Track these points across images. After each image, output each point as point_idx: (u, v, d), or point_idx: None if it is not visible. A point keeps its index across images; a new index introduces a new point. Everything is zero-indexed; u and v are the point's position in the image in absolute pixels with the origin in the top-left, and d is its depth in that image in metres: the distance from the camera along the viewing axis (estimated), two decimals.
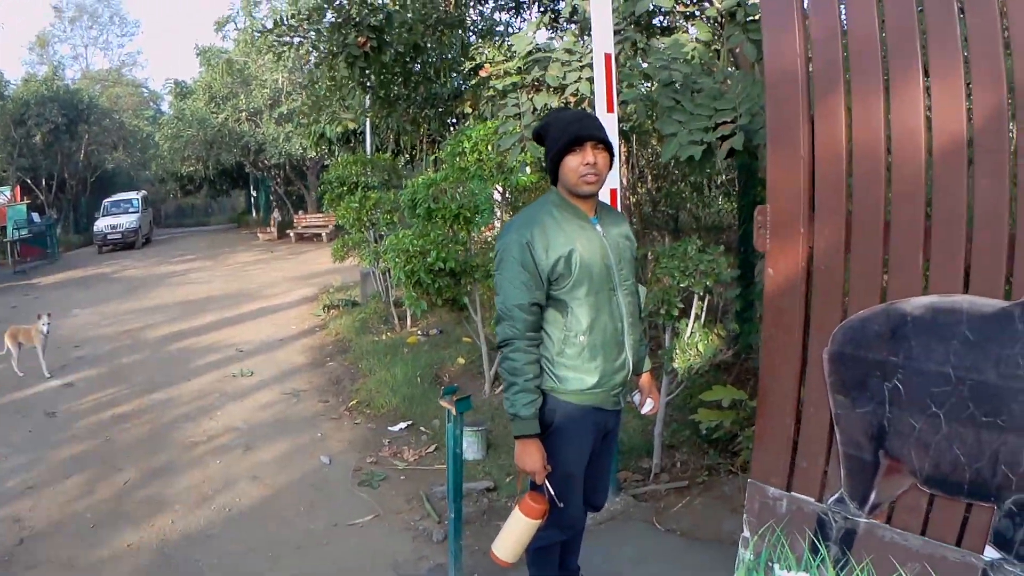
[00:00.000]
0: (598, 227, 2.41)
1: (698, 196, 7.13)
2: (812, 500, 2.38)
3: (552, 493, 2.39)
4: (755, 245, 2.61)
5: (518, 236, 2.32)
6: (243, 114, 23.29)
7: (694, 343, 3.79)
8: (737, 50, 4.32)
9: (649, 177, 7.32)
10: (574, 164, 2.31)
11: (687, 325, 3.92)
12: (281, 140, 21.57)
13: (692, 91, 3.80)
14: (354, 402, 6.40)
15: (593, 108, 3.76)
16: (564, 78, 4.54)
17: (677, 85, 3.87)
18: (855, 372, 2.24)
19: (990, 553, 1.97)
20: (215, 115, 23.65)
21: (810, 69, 2.41)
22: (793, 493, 2.43)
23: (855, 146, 2.29)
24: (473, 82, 7.56)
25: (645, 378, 2.73)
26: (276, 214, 25.11)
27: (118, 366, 8.32)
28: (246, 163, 25.42)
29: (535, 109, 4.75)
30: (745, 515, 2.53)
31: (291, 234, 23.18)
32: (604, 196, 3.55)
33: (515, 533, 2.42)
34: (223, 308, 11.82)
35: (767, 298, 2.55)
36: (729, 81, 3.92)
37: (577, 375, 2.36)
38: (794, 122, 2.42)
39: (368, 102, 9.42)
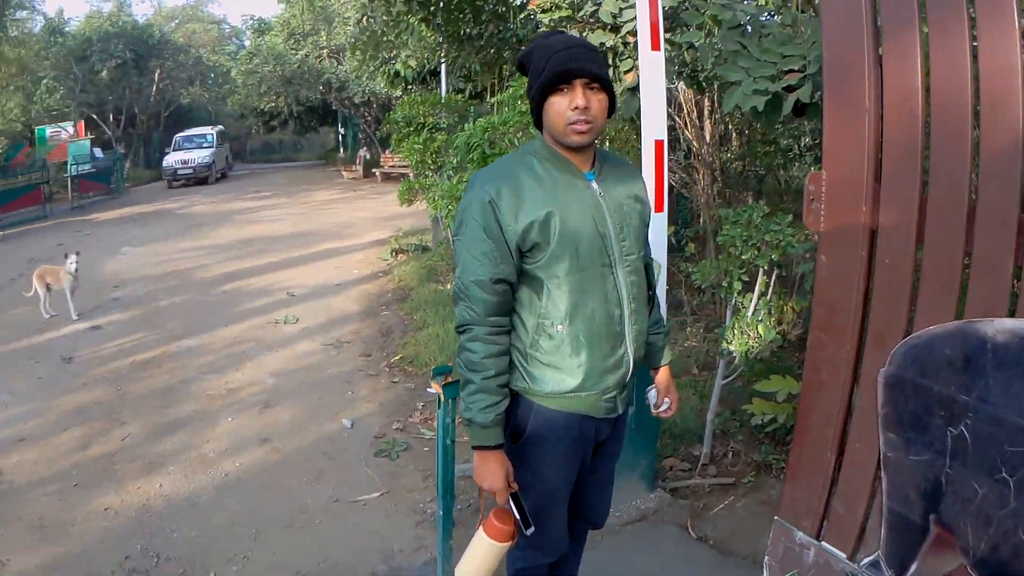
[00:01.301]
0: (594, 184, 2.10)
1: (783, 156, 6.71)
2: (843, 557, 2.14)
3: (518, 516, 2.10)
4: (805, 222, 2.23)
5: (481, 192, 2.02)
6: (324, 51, 24.26)
7: (754, 324, 3.56)
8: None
9: (734, 134, 6.89)
10: (560, 107, 1.99)
11: (750, 301, 3.68)
12: (365, 78, 22.16)
13: (760, 35, 3.48)
14: (398, 357, 6.25)
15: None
16: (620, 14, 4.20)
17: (745, 27, 3.55)
18: (915, 406, 1.84)
19: None
20: (294, 52, 24.80)
21: None
22: (823, 544, 2.19)
23: (933, 100, 1.92)
24: (522, 16, 7.30)
25: (662, 374, 2.44)
26: (363, 152, 25.96)
27: (154, 309, 8.55)
28: (332, 100, 26.47)
29: None
30: (767, 557, 2.37)
31: (376, 173, 23.85)
32: (649, 149, 3.29)
33: (479, 558, 2.13)
34: (286, 248, 12.05)
35: (817, 292, 2.24)
36: (802, 26, 3.58)
37: (554, 374, 2.08)
38: (856, 65, 2.07)
39: (437, 40, 9.49)
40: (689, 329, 5.82)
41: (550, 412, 2.10)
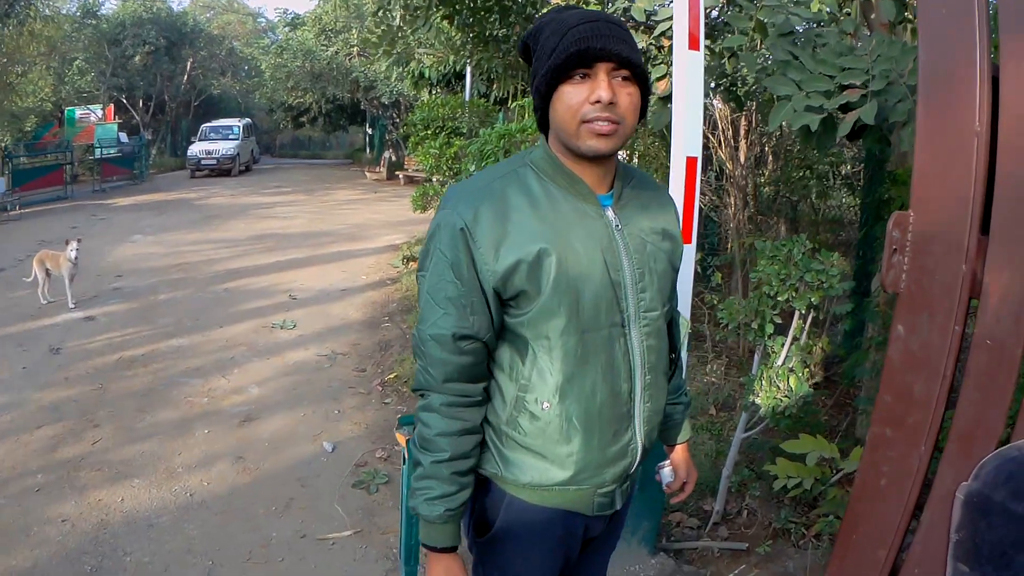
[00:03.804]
0: (610, 213, 1.60)
1: (819, 184, 6.40)
2: None
3: None
4: (883, 281, 1.78)
5: (452, 215, 1.54)
6: (355, 49, 24.29)
7: (785, 374, 3.22)
8: (872, 16, 3.55)
9: (770, 156, 6.59)
10: (574, 99, 1.49)
11: (782, 347, 3.33)
12: (394, 78, 22.19)
13: (814, 44, 3.10)
14: (392, 376, 6.02)
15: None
16: (655, 13, 3.85)
17: (798, 37, 3.20)
18: (1001, 536, 1.47)
19: None
20: (324, 48, 24.87)
21: None
22: None
23: None
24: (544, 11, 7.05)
25: (679, 452, 2.00)
26: (388, 154, 25.97)
27: (152, 303, 8.38)
28: (361, 100, 26.52)
29: None
30: None
31: (400, 176, 23.71)
32: (679, 168, 2.86)
33: None
34: (296, 247, 11.89)
35: (887, 375, 1.72)
36: (859, 39, 3.23)
37: (536, 462, 1.62)
38: (962, 77, 1.57)
39: (462, 40, 9.33)
40: (710, 365, 5.55)
41: (526, 506, 1.65)
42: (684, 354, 2.84)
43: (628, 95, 1.50)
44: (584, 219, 1.56)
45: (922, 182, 1.65)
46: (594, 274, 1.55)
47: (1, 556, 3.56)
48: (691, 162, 2.91)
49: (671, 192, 2.80)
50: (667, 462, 1.99)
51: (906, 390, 1.69)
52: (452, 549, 1.63)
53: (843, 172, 6.74)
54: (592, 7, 4.18)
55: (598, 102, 1.46)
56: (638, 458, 1.70)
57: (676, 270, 1.74)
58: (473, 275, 1.52)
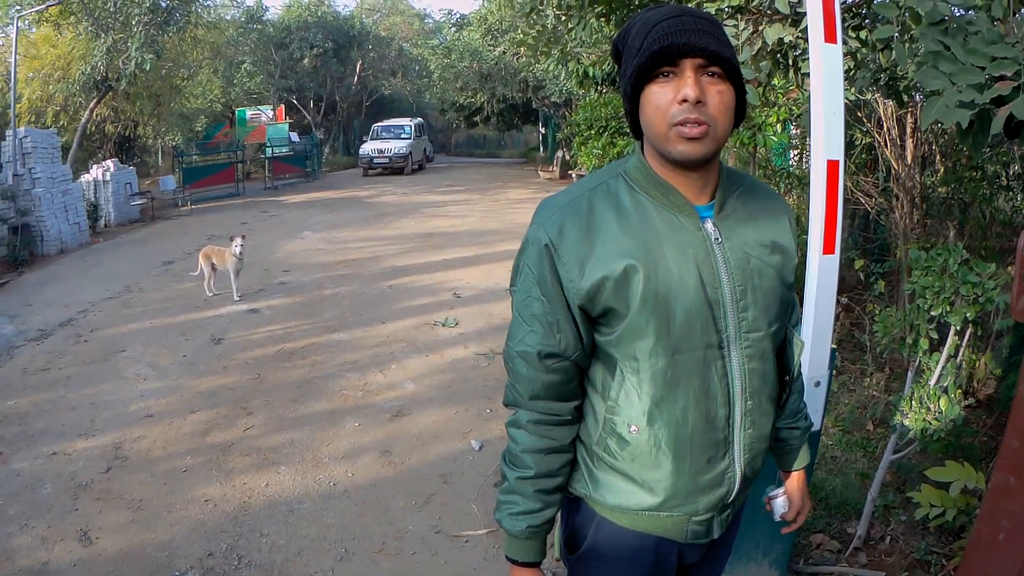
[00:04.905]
0: (709, 226, 1.56)
1: (989, 185, 5.91)
2: None
3: None
4: (1013, 311, 1.63)
5: (539, 231, 1.56)
6: (521, 48, 24.83)
7: (936, 395, 3.06)
8: None
9: (938, 155, 6.16)
10: (660, 99, 1.46)
11: (937, 363, 3.16)
12: (562, 77, 22.54)
13: (965, 33, 2.84)
14: None
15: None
16: (800, 4, 3.67)
17: (949, 25, 2.94)
18: None
19: None
20: (491, 48, 25.70)
21: None
22: None
23: None
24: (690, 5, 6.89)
25: (794, 480, 1.92)
26: (561, 153, 26.41)
27: (316, 297, 8.86)
28: (532, 99, 27.52)
29: (767, 45, 3.94)
30: None
31: (573, 175, 23.86)
32: (819, 173, 2.71)
33: None
34: (465, 246, 12.23)
35: (1016, 411, 1.62)
36: (1011, 25, 2.93)
37: (625, 484, 1.61)
38: None
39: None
40: (868, 379, 5.28)
41: (616, 528, 1.65)
42: (821, 373, 2.71)
43: (719, 92, 1.46)
44: (678, 232, 1.53)
45: None
46: (687, 292, 1.51)
47: (141, 529, 3.91)
48: (832, 165, 2.73)
49: (813, 200, 2.71)
50: (781, 490, 1.91)
51: None
52: (534, 564, 1.68)
53: (1014, 171, 6.25)
54: (734, 1, 4.05)
55: (685, 101, 1.43)
56: (736, 487, 1.65)
57: (788, 287, 1.66)
58: (559, 292, 1.54)
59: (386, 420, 5.29)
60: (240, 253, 8.62)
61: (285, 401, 5.62)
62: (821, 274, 2.56)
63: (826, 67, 2.66)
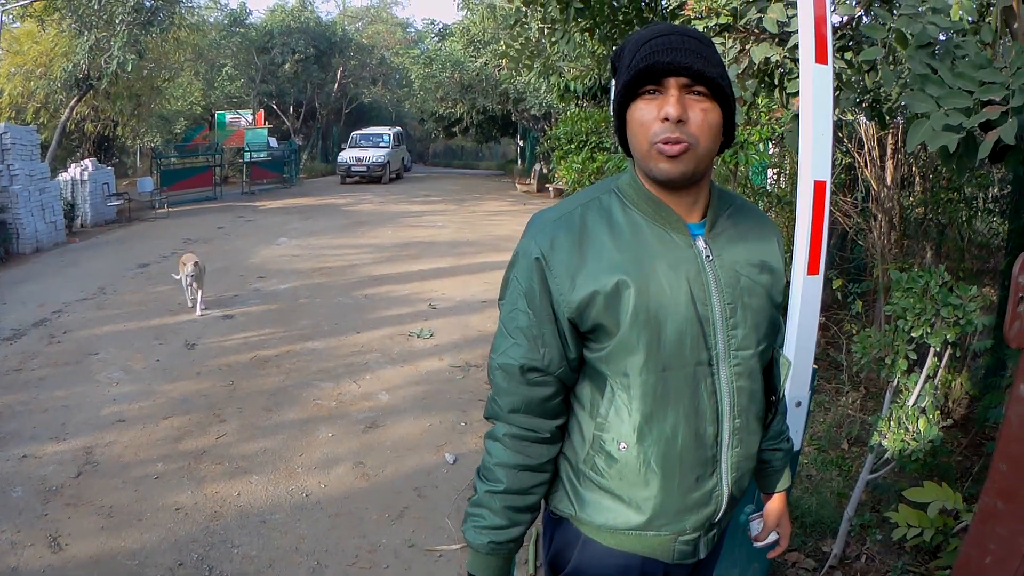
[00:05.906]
0: (700, 244, 1.56)
1: (966, 208, 6.07)
2: None
3: None
4: (1006, 335, 1.64)
5: (529, 244, 1.56)
6: (503, 60, 25.01)
7: (915, 416, 3.09)
8: (1015, 26, 3.26)
9: (917, 177, 6.29)
10: (644, 116, 1.47)
11: (915, 384, 3.19)
12: (543, 90, 22.67)
13: (952, 56, 2.89)
14: None
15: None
16: (789, 24, 3.72)
17: (936, 48, 2.99)
18: None
19: None
20: (473, 59, 25.94)
21: None
22: None
23: None
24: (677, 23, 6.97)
25: (775, 502, 1.91)
26: (539, 166, 26.59)
27: (291, 305, 8.80)
28: (511, 111, 27.76)
29: (753, 64, 3.98)
30: None
31: (550, 188, 24.08)
32: (806, 193, 2.70)
33: None
34: (441, 257, 12.20)
35: (1004, 436, 1.63)
36: (998, 50, 2.99)
37: (612, 503, 1.59)
38: None
39: (605, 53, 9.42)
40: (844, 398, 5.31)
41: (601, 549, 1.63)
42: (800, 394, 2.71)
43: (703, 111, 1.46)
44: (670, 249, 1.53)
45: None
46: (678, 308, 1.51)
47: (111, 537, 3.85)
48: (819, 186, 2.71)
49: (799, 220, 2.70)
50: (759, 513, 1.91)
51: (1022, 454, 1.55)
52: None
53: (992, 194, 6.39)
54: (723, 19, 4.09)
55: (666, 119, 1.43)
56: (723, 506, 1.63)
57: (776, 306, 1.67)
58: (547, 306, 1.54)
59: (360, 431, 5.25)
60: (192, 273, 8.19)
61: (258, 409, 5.56)
62: (805, 294, 2.56)
63: (816, 87, 2.65)
